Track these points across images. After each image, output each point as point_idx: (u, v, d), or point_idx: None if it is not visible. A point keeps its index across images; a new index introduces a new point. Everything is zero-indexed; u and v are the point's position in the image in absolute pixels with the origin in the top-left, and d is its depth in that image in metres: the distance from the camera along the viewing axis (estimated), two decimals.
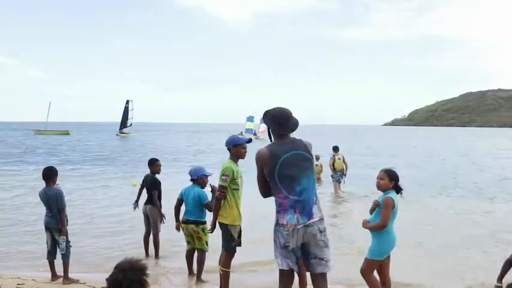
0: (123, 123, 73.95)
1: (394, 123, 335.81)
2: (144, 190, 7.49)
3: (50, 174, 6.05)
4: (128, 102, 73.70)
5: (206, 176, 6.24)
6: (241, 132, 43.98)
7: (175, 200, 6.34)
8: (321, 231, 3.89)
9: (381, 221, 4.72)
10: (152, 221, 7.30)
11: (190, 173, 6.22)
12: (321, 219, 3.92)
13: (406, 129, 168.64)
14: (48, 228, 6.06)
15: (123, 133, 72.38)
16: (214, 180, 5.98)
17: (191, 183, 6.22)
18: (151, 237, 7.40)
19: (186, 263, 6.39)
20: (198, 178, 6.17)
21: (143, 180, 7.54)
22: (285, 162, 3.87)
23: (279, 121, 4.00)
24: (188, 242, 6.22)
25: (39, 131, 70.02)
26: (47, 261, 6.19)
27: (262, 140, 36.79)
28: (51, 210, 5.98)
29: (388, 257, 4.87)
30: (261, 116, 4.32)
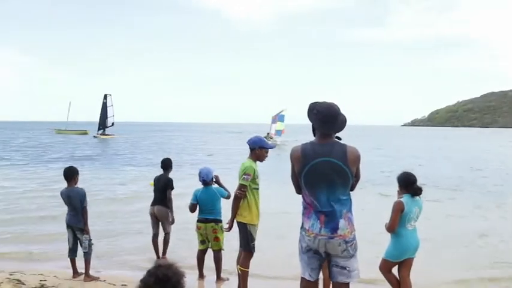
0: (102, 122, 61.54)
1: (414, 123, 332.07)
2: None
3: (71, 174, 6.15)
4: (105, 97, 61.90)
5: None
6: (268, 134, 43.80)
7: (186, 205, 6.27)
8: (347, 242, 3.59)
9: (388, 224, 4.76)
10: (162, 222, 7.28)
11: (204, 177, 6.10)
12: (348, 235, 3.59)
13: (424, 129, 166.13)
14: (70, 226, 6.16)
15: (104, 135, 60.41)
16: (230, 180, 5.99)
17: (202, 186, 6.15)
18: (160, 238, 7.35)
19: (197, 264, 6.29)
20: (211, 181, 6.17)
21: (155, 181, 7.41)
22: (313, 168, 3.56)
23: (325, 119, 3.58)
24: (203, 242, 6.18)
25: (60, 130, 71.15)
26: (68, 258, 6.28)
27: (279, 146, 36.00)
28: (73, 209, 6.08)
29: (408, 261, 4.82)
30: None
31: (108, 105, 61.44)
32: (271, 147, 5.64)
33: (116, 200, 13.47)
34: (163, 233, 7.34)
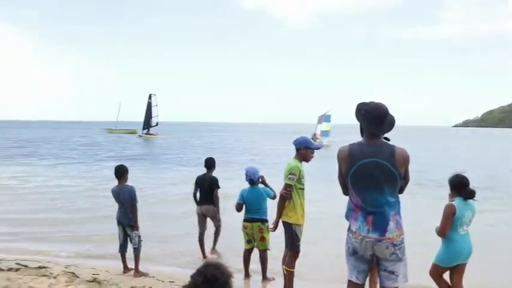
0: (147, 122, 62.11)
1: (466, 124, 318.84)
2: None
3: (121, 172, 6.37)
4: (150, 96, 62.47)
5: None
6: (315, 135, 43.43)
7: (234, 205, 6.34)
8: (395, 245, 3.51)
9: (438, 228, 4.63)
10: (212, 217, 7.40)
11: (251, 176, 6.17)
12: (396, 238, 3.50)
13: (477, 130, 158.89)
14: (120, 223, 6.38)
15: (149, 134, 61.05)
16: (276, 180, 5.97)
17: (249, 185, 6.21)
18: (207, 235, 7.48)
19: (243, 264, 6.33)
20: (257, 180, 6.22)
21: (196, 181, 7.48)
22: (360, 168, 3.50)
23: (373, 119, 3.52)
24: (249, 241, 6.22)
25: (111, 130, 73.55)
26: (119, 254, 6.53)
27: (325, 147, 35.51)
28: (123, 207, 6.29)
29: (461, 267, 4.67)
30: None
31: (152, 104, 61.74)
32: (317, 148, 5.63)
33: (166, 200, 13.73)
34: (214, 227, 7.48)
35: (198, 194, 7.48)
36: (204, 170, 7.52)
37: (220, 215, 7.36)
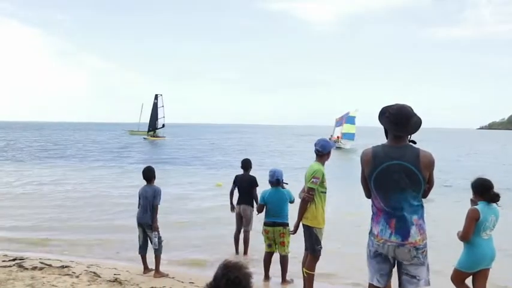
0: (152, 123, 59.35)
1: (492, 126, 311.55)
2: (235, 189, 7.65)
3: (149, 174, 6.43)
4: (156, 97, 59.56)
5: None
6: (337, 137, 43.02)
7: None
8: (417, 249, 3.46)
9: (461, 232, 4.54)
10: (245, 220, 7.47)
11: (277, 176, 6.19)
12: (419, 242, 3.45)
13: (503, 133, 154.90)
14: (140, 224, 6.42)
15: (155, 137, 58.16)
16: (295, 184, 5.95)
17: (271, 186, 6.23)
18: (241, 235, 7.58)
19: (263, 266, 6.33)
20: (283, 181, 6.23)
21: (235, 181, 7.65)
22: (384, 171, 3.45)
23: (397, 121, 3.47)
24: (269, 245, 6.23)
25: (133, 131, 73.77)
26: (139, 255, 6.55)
27: (343, 150, 35.66)
28: (144, 207, 6.32)
29: (484, 272, 4.56)
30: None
31: (158, 106, 59.29)
32: (333, 147, 5.77)
33: (191, 200, 13.72)
34: (243, 232, 7.54)
35: (235, 193, 7.64)
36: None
37: (252, 222, 7.45)
